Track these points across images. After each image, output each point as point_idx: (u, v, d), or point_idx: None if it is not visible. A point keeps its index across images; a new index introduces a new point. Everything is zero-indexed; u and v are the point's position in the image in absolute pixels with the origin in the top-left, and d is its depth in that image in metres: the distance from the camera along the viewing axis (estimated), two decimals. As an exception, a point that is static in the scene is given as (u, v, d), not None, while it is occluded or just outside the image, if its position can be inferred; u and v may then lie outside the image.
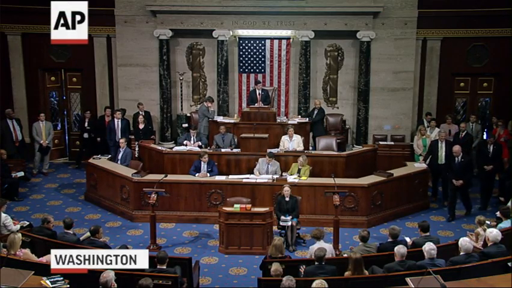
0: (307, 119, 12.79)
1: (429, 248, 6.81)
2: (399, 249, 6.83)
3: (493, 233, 7.08)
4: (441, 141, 11.27)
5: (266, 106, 12.59)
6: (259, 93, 12.90)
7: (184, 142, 12.03)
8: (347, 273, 6.77)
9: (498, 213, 8.46)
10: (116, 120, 12.78)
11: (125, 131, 12.75)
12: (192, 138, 12.01)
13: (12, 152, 12.38)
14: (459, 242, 6.97)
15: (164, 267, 6.84)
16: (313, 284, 5.88)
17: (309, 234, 9.12)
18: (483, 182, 11.20)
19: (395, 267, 6.73)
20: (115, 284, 5.86)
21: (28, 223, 9.05)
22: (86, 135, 13.50)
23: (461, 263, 6.69)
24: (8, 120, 12.67)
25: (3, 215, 8.38)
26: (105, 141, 13.09)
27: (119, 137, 12.37)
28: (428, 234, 7.84)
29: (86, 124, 13.50)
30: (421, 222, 8.07)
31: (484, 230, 7.53)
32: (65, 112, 14.55)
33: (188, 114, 13.83)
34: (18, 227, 8.46)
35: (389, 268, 6.75)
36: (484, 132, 13.16)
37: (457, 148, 10.41)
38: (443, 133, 11.54)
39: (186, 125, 13.47)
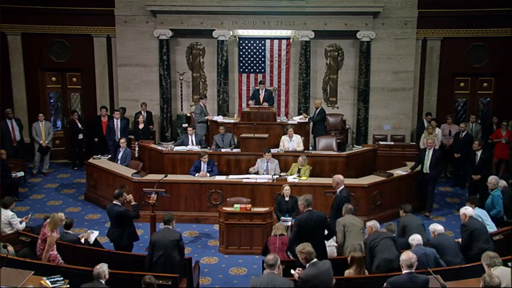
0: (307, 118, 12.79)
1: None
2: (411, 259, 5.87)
3: (468, 209, 7.60)
4: (429, 149, 10.62)
5: (269, 106, 12.59)
6: (261, 93, 12.91)
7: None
8: (347, 272, 6.75)
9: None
10: (115, 120, 12.78)
11: (125, 130, 12.75)
12: (190, 139, 11.95)
13: (11, 152, 12.36)
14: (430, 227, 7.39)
15: (171, 227, 7.24)
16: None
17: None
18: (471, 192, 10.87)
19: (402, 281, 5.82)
20: (107, 275, 5.89)
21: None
22: (81, 136, 13.49)
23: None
24: (8, 120, 12.68)
25: (10, 213, 8.39)
26: (102, 141, 13.09)
27: (119, 136, 12.37)
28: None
29: (79, 125, 13.45)
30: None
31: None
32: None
33: (188, 114, 13.85)
34: (24, 225, 8.48)
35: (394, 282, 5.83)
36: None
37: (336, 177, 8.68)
38: (431, 140, 10.79)
39: (186, 125, 13.46)
